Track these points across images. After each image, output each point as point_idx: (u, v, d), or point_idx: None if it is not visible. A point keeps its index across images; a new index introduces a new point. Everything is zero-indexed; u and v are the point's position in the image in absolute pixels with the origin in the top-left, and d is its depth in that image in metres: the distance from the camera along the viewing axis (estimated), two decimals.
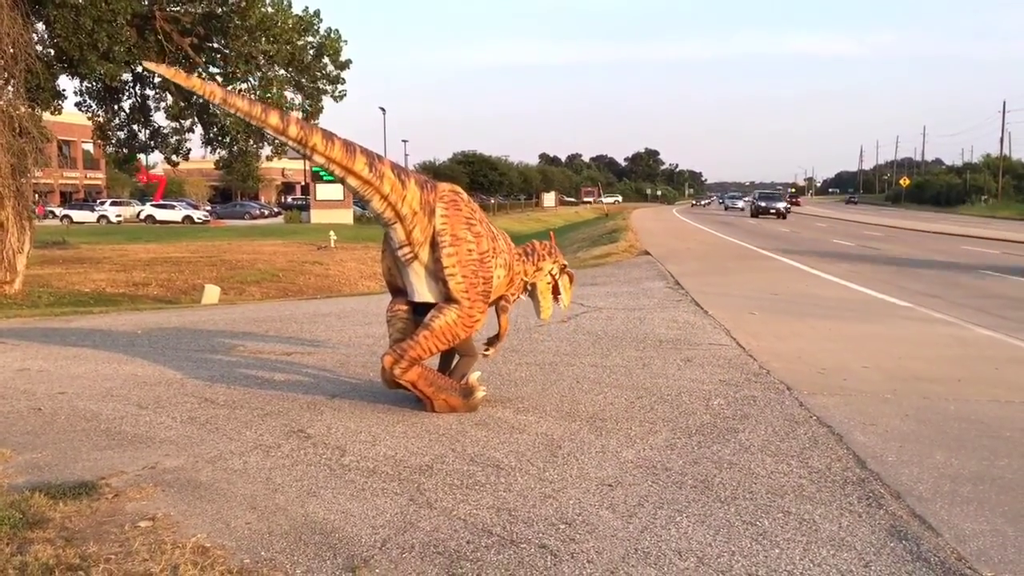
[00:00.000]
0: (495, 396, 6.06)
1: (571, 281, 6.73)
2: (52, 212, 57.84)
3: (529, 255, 6.40)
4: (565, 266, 6.64)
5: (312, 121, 20.62)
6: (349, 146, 5.32)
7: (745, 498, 4.16)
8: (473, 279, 5.43)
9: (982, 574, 3.39)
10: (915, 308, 11.60)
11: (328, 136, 5.27)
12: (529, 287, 6.48)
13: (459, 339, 5.58)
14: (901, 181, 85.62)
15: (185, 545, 3.48)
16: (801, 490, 4.29)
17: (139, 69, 18.96)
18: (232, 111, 5.18)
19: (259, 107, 5.21)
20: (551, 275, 6.50)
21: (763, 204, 54.03)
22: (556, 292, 6.59)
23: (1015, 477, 4.58)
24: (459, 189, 5.70)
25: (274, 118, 5.17)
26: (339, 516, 3.86)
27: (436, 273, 5.45)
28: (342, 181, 5.43)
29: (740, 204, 79.39)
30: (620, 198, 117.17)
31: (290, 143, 5.30)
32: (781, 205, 53.62)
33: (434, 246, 5.42)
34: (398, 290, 5.79)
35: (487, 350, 6.35)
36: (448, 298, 5.42)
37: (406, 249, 5.50)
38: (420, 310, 5.63)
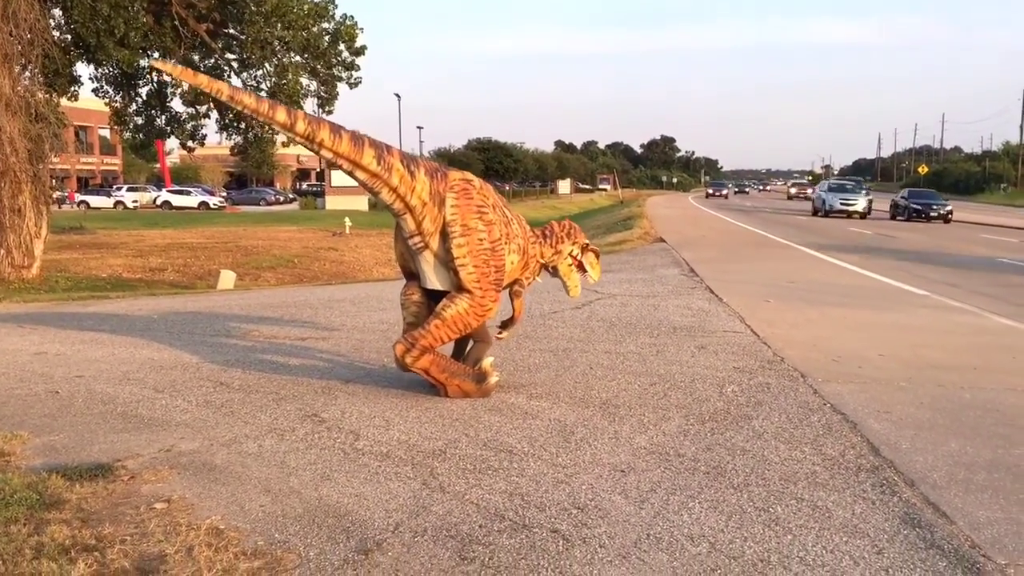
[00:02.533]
0: (508, 382, 6.07)
1: (597, 257, 6.65)
2: (58, 198, 58.08)
3: (547, 237, 6.32)
4: (587, 244, 6.55)
5: (327, 108, 20.68)
6: (357, 139, 5.27)
7: (758, 485, 4.15)
8: (485, 268, 5.40)
9: (996, 562, 3.37)
10: (931, 296, 11.53)
11: (336, 130, 5.22)
12: (551, 269, 6.41)
13: (471, 328, 5.57)
14: (919, 169, 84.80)
15: (200, 527, 3.51)
16: (814, 477, 4.28)
17: (153, 60, 19.00)
18: (240, 108, 5.15)
19: (266, 104, 5.19)
20: (572, 256, 6.42)
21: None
22: (582, 270, 6.52)
23: None
24: (471, 177, 5.65)
25: (281, 114, 5.13)
26: (352, 499, 3.88)
27: (447, 262, 5.44)
28: (351, 174, 5.39)
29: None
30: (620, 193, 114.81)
31: (298, 139, 5.24)
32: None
33: (445, 236, 5.39)
34: (412, 274, 5.79)
35: (501, 333, 6.35)
36: (460, 287, 5.42)
37: (417, 239, 5.49)
38: (434, 294, 5.63)
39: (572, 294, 6.62)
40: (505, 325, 6.39)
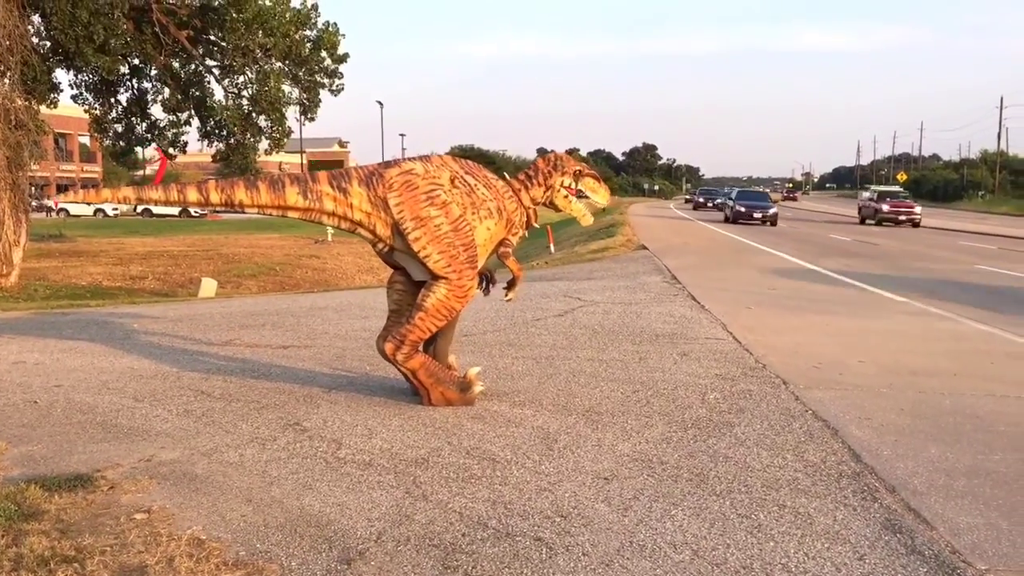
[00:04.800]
0: (491, 389, 6.06)
1: (597, 180, 6.34)
2: (48, 207, 57.61)
3: (532, 178, 6.11)
4: (580, 170, 6.27)
5: (310, 115, 20.64)
6: (275, 184, 5.36)
7: (740, 491, 4.17)
8: (452, 251, 5.37)
9: (976, 568, 3.40)
10: (910, 303, 11.62)
11: (250, 185, 5.34)
12: (550, 205, 6.20)
13: (456, 311, 5.54)
14: (898, 176, 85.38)
15: (181, 537, 3.48)
16: (796, 484, 4.30)
17: (135, 62, 18.93)
18: (151, 204, 5.45)
19: (174, 190, 5.37)
20: (566, 187, 6.17)
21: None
22: (584, 197, 6.27)
23: (1009, 471, 4.59)
24: (411, 167, 5.50)
25: (193, 194, 5.33)
26: (335, 509, 3.86)
27: (415, 256, 5.44)
28: (284, 216, 5.50)
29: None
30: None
31: (218, 208, 5.41)
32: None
33: (402, 234, 5.40)
34: (395, 265, 5.80)
35: (508, 295, 6.15)
36: (434, 275, 5.41)
37: (379, 245, 5.57)
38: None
39: (583, 222, 6.43)
40: (510, 285, 6.15)
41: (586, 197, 6.31)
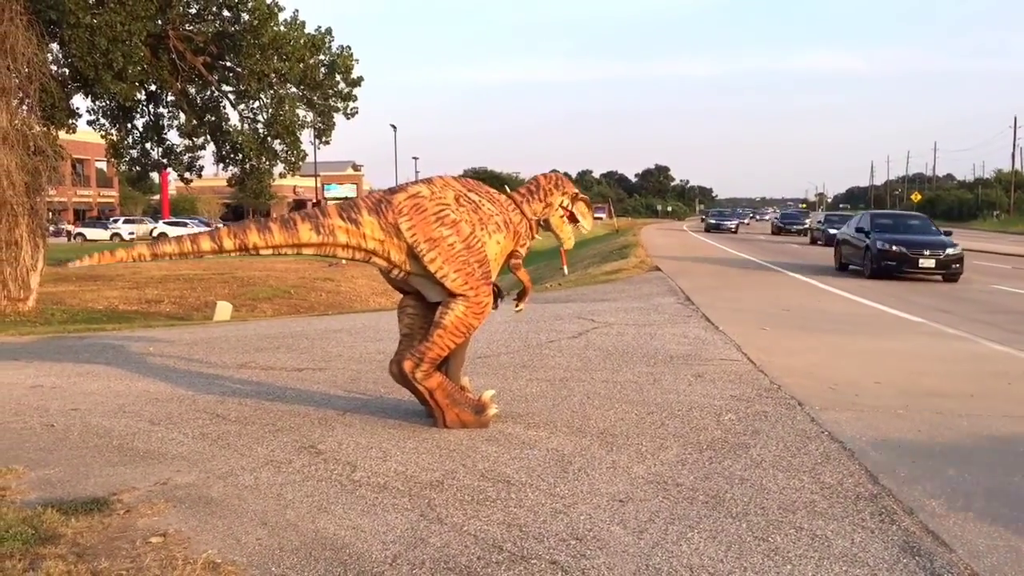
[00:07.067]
0: (506, 412, 6.06)
1: (588, 206, 6.51)
2: (67, 231, 58.15)
3: (534, 193, 6.19)
4: (576, 193, 6.42)
5: (324, 139, 20.81)
6: (287, 224, 5.41)
7: (757, 514, 4.14)
8: (468, 268, 5.41)
9: None
10: (927, 323, 11.56)
11: (262, 227, 5.38)
12: (542, 223, 6.28)
13: (474, 328, 5.56)
14: (912, 196, 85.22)
15: (196, 561, 3.49)
16: (813, 506, 4.27)
17: (152, 88, 19.15)
18: (165, 258, 5.49)
19: (187, 241, 5.42)
20: (563, 207, 6.29)
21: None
22: (574, 220, 6.41)
23: None
24: (417, 190, 5.55)
25: (206, 243, 5.36)
26: (350, 532, 3.86)
27: (431, 277, 5.47)
28: (299, 253, 5.54)
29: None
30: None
31: (233, 254, 5.44)
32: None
33: (416, 257, 5.44)
34: (404, 291, 5.84)
35: (518, 306, 6.26)
36: (451, 294, 5.44)
37: (395, 271, 5.59)
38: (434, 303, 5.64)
39: (566, 245, 6.53)
40: (520, 297, 6.24)
41: (576, 221, 6.43)
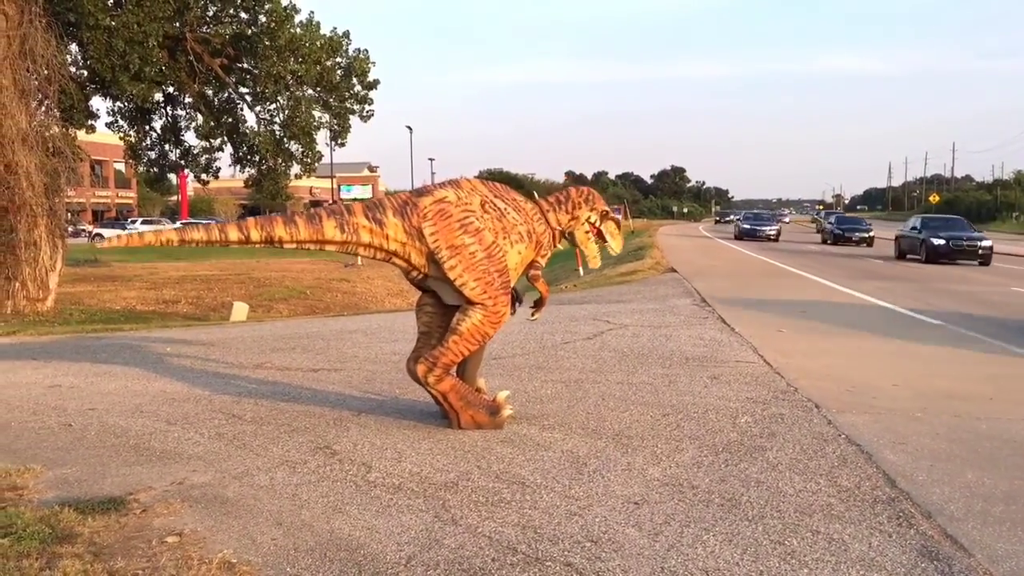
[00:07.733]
0: (520, 413, 6.05)
1: (617, 226, 6.38)
2: (85, 230, 58.54)
3: (562, 203, 6.12)
4: (607, 212, 6.31)
5: (340, 140, 20.88)
6: (312, 219, 5.40)
7: (773, 517, 4.11)
8: (487, 278, 5.39)
9: None
10: (945, 326, 11.47)
11: (288, 221, 5.37)
12: (567, 236, 6.21)
13: (489, 336, 5.56)
14: (931, 198, 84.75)
15: (211, 561, 3.49)
16: (830, 509, 4.24)
17: (170, 90, 19.26)
18: (193, 244, 5.47)
19: (215, 229, 5.42)
20: (590, 223, 6.20)
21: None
22: (602, 238, 6.30)
23: None
24: (444, 195, 5.52)
25: (234, 233, 5.34)
26: (364, 532, 3.86)
27: (450, 284, 5.47)
28: (322, 249, 5.54)
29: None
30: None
31: (259, 246, 5.43)
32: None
33: (437, 262, 5.43)
34: (424, 289, 5.83)
35: (534, 314, 6.26)
36: (469, 301, 5.44)
37: (414, 273, 5.60)
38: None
39: (591, 264, 6.43)
40: (537, 305, 6.23)
41: (604, 239, 6.33)
